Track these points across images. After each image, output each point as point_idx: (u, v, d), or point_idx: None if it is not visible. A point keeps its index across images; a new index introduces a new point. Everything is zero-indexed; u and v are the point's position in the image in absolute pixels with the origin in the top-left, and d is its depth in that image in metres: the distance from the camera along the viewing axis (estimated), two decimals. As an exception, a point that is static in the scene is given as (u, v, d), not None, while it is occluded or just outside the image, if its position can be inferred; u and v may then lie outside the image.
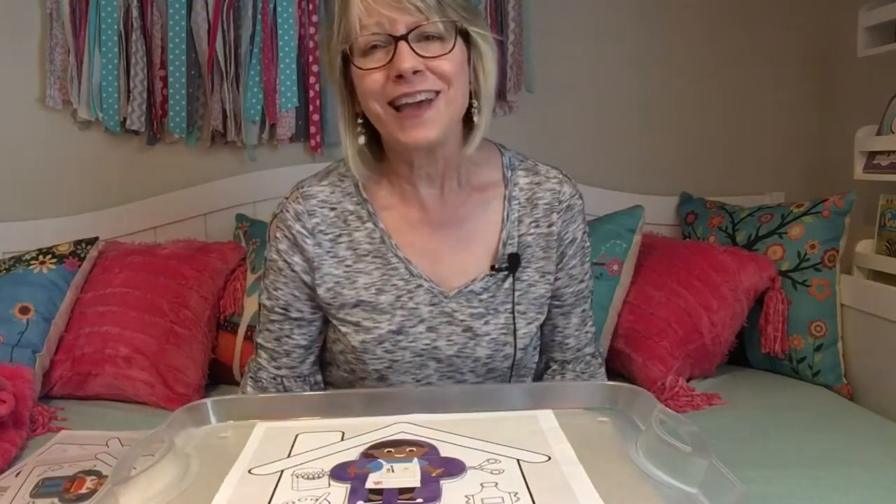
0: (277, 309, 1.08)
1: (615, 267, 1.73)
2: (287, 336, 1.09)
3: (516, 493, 0.62)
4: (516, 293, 1.06)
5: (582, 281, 1.12)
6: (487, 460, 0.69)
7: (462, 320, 1.05)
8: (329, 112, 1.94)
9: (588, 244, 1.13)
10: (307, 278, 1.06)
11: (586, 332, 1.16)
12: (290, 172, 1.85)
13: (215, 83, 1.88)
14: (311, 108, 1.94)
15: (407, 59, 0.91)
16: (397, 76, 0.91)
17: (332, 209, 1.06)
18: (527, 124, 2.01)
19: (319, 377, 1.15)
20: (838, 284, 1.69)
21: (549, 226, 1.08)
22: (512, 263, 1.05)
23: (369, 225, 1.05)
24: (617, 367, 1.69)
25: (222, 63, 1.86)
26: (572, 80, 2.06)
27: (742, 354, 1.78)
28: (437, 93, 0.94)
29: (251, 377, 1.12)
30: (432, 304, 1.05)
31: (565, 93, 2.05)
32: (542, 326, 1.12)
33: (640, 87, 2.09)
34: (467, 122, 1.03)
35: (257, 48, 1.88)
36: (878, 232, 1.71)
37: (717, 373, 1.71)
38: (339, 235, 1.06)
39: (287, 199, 1.08)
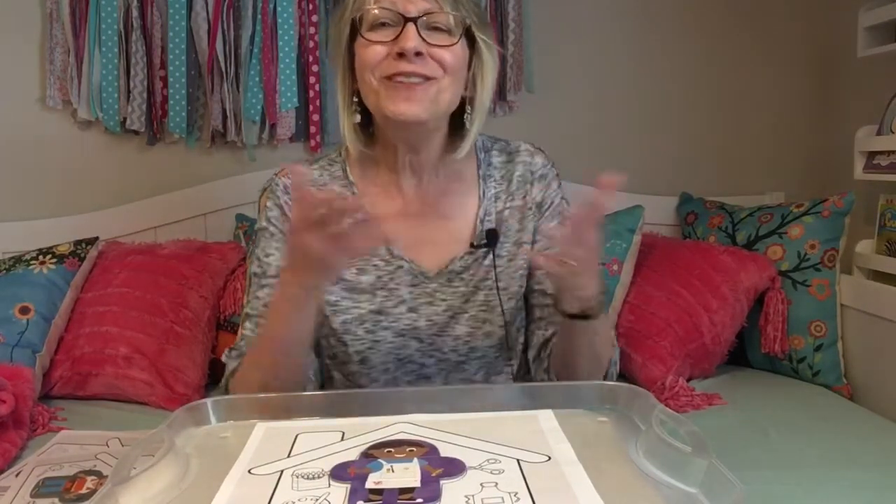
0: (270, 272, 1.06)
1: (615, 267, 1.73)
2: None
3: (516, 494, 0.62)
4: (497, 270, 1.07)
5: None
6: (487, 460, 0.69)
7: (443, 299, 1.07)
8: (329, 112, 1.94)
9: (567, 207, 1.13)
10: None
11: None
12: (290, 172, 1.85)
13: (215, 83, 1.88)
14: (311, 108, 1.94)
15: (412, 38, 0.94)
16: (399, 53, 0.94)
17: (320, 190, 1.06)
18: (527, 124, 2.01)
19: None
20: (838, 284, 1.69)
21: (524, 197, 1.10)
22: (490, 239, 1.06)
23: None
24: (617, 367, 1.68)
25: (222, 63, 1.86)
26: (572, 80, 2.06)
27: (742, 354, 1.78)
28: (433, 80, 0.97)
29: (234, 351, 1.06)
30: (413, 286, 1.06)
31: (565, 93, 2.05)
32: (530, 308, 1.12)
33: (639, 87, 2.09)
34: (453, 126, 1.06)
35: (257, 48, 1.88)
36: (878, 232, 1.71)
37: (717, 373, 1.71)
38: None
39: (276, 174, 1.10)
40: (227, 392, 1.05)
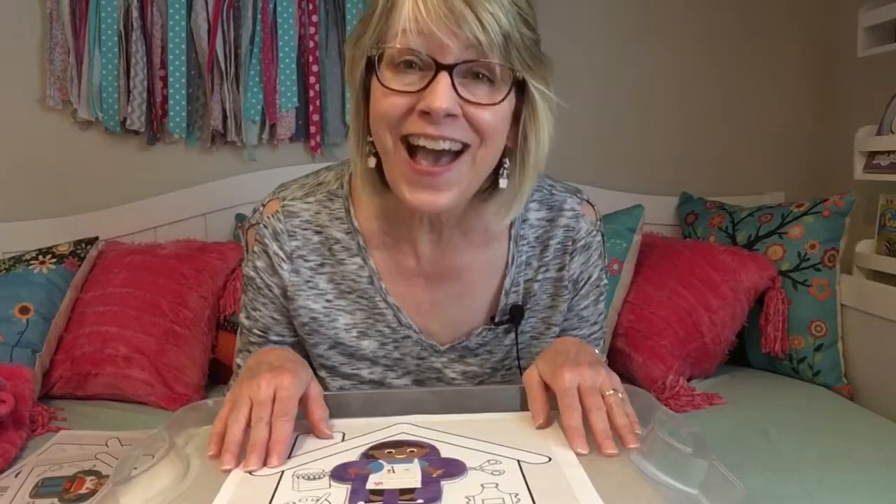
0: (256, 331, 0.96)
1: (615, 266, 1.73)
2: None
3: (517, 494, 0.62)
4: (518, 347, 0.93)
5: (595, 323, 1.00)
6: (488, 461, 0.69)
7: (452, 378, 0.95)
8: (329, 112, 1.94)
9: (605, 282, 1.00)
10: (287, 303, 0.94)
11: None
12: (289, 172, 1.84)
13: (215, 83, 1.88)
14: (311, 108, 1.94)
15: (444, 96, 0.73)
16: (425, 112, 0.75)
17: (317, 233, 0.92)
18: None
19: None
20: (838, 284, 1.69)
21: (560, 269, 0.95)
22: (514, 316, 0.92)
23: (358, 260, 0.92)
24: (617, 367, 1.68)
25: (222, 63, 1.86)
26: (572, 81, 2.06)
27: (742, 354, 1.78)
28: (465, 146, 0.78)
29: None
30: (420, 359, 0.95)
31: (565, 93, 2.04)
32: None
33: (640, 87, 2.09)
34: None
35: (257, 48, 1.88)
36: (878, 232, 1.71)
37: (717, 373, 1.71)
38: (322, 265, 0.92)
39: (265, 206, 0.94)
40: None
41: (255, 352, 0.93)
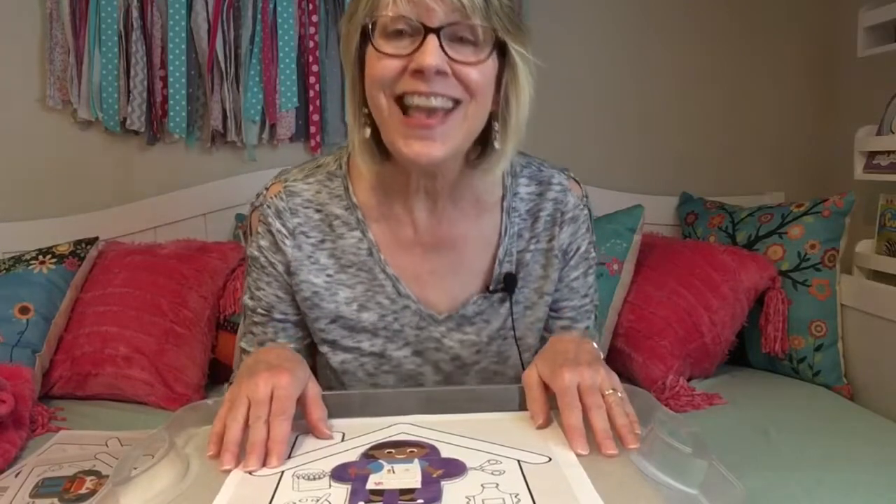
0: (260, 310, 0.98)
1: (615, 266, 1.73)
2: (271, 340, 0.99)
3: (517, 495, 0.62)
4: (513, 318, 0.97)
5: (585, 295, 1.02)
6: (488, 461, 0.69)
7: (451, 347, 0.98)
8: (329, 112, 1.94)
9: (594, 255, 1.03)
10: (290, 279, 0.97)
11: None
12: (290, 172, 1.85)
13: (215, 83, 1.88)
14: (311, 108, 1.94)
15: (433, 54, 0.79)
16: (417, 71, 0.79)
17: (318, 211, 0.96)
18: (526, 124, 2.00)
19: None
20: (838, 284, 1.69)
21: (550, 240, 0.98)
22: (508, 284, 0.95)
23: (357, 234, 0.95)
24: (617, 367, 1.68)
25: (222, 63, 1.86)
26: (572, 81, 2.06)
27: (742, 354, 1.78)
28: (457, 103, 0.83)
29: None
30: (419, 328, 0.97)
31: (565, 93, 2.05)
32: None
33: (639, 87, 2.09)
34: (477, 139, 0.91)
35: (257, 48, 1.88)
36: (878, 232, 1.71)
37: (717, 373, 1.71)
38: (323, 241, 0.96)
39: (268, 189, 0.99)
40: None
41: (259, 334, 0.99)
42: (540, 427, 0.77)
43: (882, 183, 1.71)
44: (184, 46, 1.85)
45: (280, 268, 0.97)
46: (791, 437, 1.32)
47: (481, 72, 0.82)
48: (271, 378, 0.76)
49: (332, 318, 0.96)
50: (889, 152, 1.67)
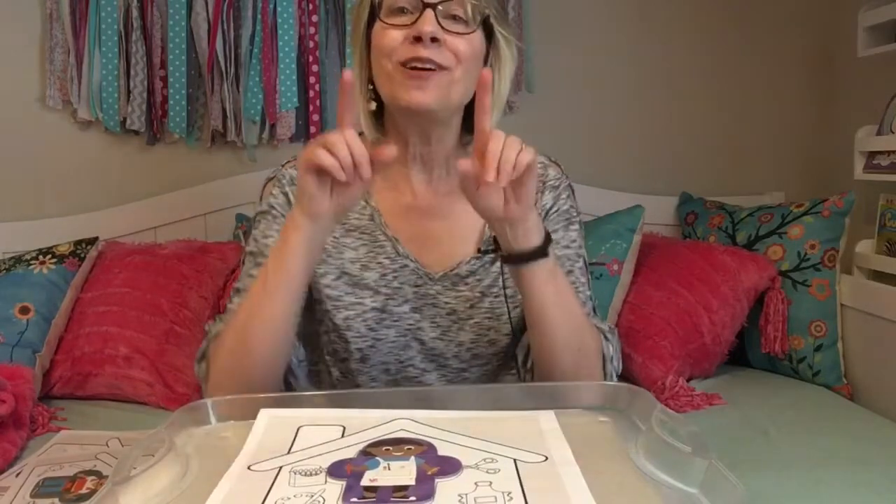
0: (266, 253, 1.01)
1: (615, 267, 1.73)
2: None
3: (509, 493, 0.62)
4: (504, 277, 1.04)
5: (567, 247, 1.08)
6: (484, 459, 0.69)
7: (446, 303, 1.05)
8: (329, 112, 1.95)
9: (575, 215, 1.10)
10: None
11: (587, 315, 1.04)
12: (290, 172, 1.86)
13: (215, 83, 1.88)
14: (311, 108, 1.94)
15: (430, 23, 0.93)
16: (416, 38, 0.94)
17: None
18: (527, 124, 2.00)
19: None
20: (838, 284, 1.69)
21: (534, 205, 1.06)
22: (497, 245, 1.00)
23: (361, 201, 1.05)
24: (617, 367, 1.68)
25: (222, 63, 1.86)
26: (572, 80, 2.06)
27: (742, 354, 1.78)
28: (446, 70, 0.96)
29: (218, 321, 1.04)
30: (416, 286, 1.05)
31: (565, 93, 2.06)
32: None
33: (640, 87, 2.09)
34: (467, 122, 1.04)
35: (257, 48, 1.88)
36: (878, 232, 1.71)
37: (717, 373, 1.71)
38: None
39: (283, 165, 1.09)
40: (203, 357, 1.04)
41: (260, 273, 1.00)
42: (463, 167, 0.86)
43: (882, 183, 1.71)
44: (184, 46, 1.85)
45: None
46: (791, 437, 1.32)
47: (469, 43, 0.97)
48: (332, 133, 0.86)
49: (337, 275, 1.05)
50: (889, 152, 1.67)
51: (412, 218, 1.07)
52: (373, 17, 0.99)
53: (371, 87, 1.02)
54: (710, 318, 1.65)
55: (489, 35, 1.00)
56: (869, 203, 1.80)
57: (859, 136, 1.74)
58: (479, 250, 1.06)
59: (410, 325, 1.05)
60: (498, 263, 1.05)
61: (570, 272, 1.07)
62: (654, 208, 1.94)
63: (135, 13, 1.84)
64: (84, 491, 1.15)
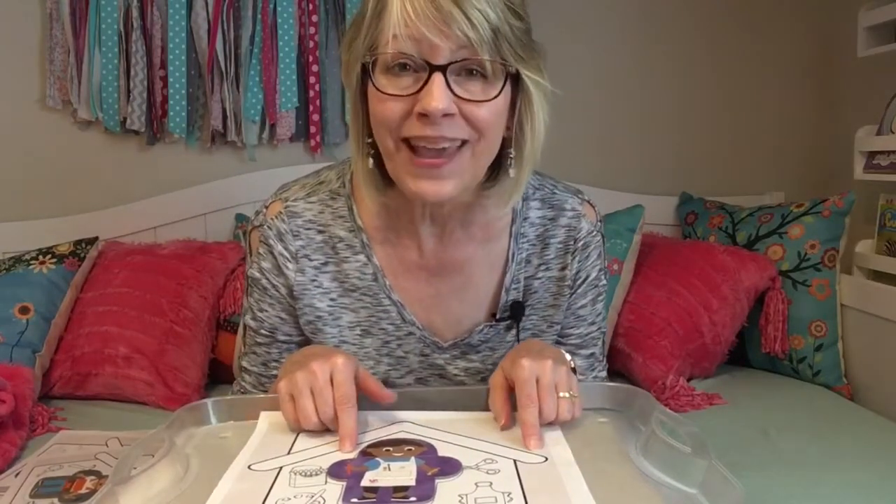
0: (263, 331, 0.96)
1: (615, 266, 1.73)
2: (275, 361, 0.96)
3: (509, 493, 0.62)
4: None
5: (593, 323, 1.00)
6: (484, 460, 0.69)
7: (455, 375, 0.95)
8: (329, 112, 1.94)
9: (604, 282, 1.00)
10: (293, 302, 0.94)
11: (593, 379, 1.01)
12: (290, 172, 1.84)
13: (215, 83, 1.88)
14: (311, 108, 1.94)
15: (439, 97, 0.74)
16: (422, 114, 0.75)
17: (320, 232, 0.92)
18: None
19: None
20: (838, 284, 1.69)
21: (562, 269, 0.95)
22: (515, 312, 0.93)
23: (362, 257, 0.92)
24: (617, 367, 1.69)
25: (222, 63, 1.86)
26: (573, 81, 2.06)
27: (742, 354, 1.78)
28: (464, 142, 0.79)
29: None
30: (423, 356, 0.95)
31: (566, 93, 2.04)
32: None
33: (640, 87, 2.09)
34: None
35: (257, 48, 1.88)
36: (878, 232, 1.71)
37: (717, 373, 1.71)
38: (326, 263, 0.93)
39: (267, 208, 0.94)
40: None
41: (262, 354, 0.97)
42: (503, 428, 0.76)
43: (882, 183, 1.71)
44: (184, 46, 1.85)
45: (283, 290, 0.94)
46: (791, 437, 1.32)
47: (491, 109, 0.78)
48: (326, 363, 0.75)
49: (335, 344, 0.94)
50: (889, 152, 1.67)
51: (419, 278, 0.93)
52: (365, 71, 0.79)
53: (370, 139, 0.83)
54: (711, 318, 1.65)
55: (515, 79, 0.81)
56: (869, 203, 1.80)
57: (859, 136, 1.74)
58: (493, 316, 0.94)
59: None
60: (513, 332, 0.94)
61: (591, 355, 1.01)
62: (654, 208, 1.94)
63: (135, 13, 1.84)
64: (84, 491, 1.15)
